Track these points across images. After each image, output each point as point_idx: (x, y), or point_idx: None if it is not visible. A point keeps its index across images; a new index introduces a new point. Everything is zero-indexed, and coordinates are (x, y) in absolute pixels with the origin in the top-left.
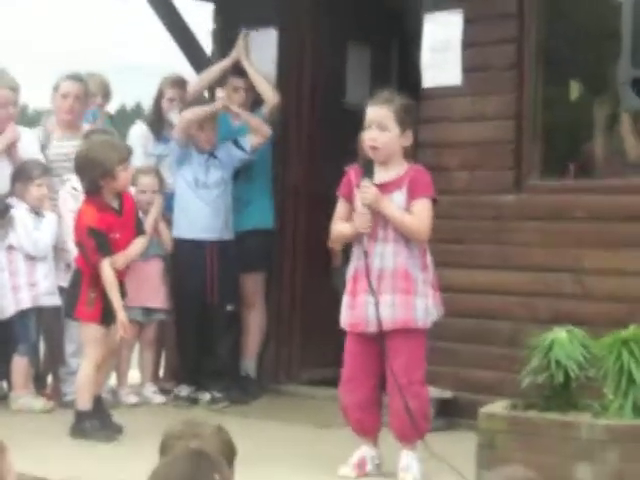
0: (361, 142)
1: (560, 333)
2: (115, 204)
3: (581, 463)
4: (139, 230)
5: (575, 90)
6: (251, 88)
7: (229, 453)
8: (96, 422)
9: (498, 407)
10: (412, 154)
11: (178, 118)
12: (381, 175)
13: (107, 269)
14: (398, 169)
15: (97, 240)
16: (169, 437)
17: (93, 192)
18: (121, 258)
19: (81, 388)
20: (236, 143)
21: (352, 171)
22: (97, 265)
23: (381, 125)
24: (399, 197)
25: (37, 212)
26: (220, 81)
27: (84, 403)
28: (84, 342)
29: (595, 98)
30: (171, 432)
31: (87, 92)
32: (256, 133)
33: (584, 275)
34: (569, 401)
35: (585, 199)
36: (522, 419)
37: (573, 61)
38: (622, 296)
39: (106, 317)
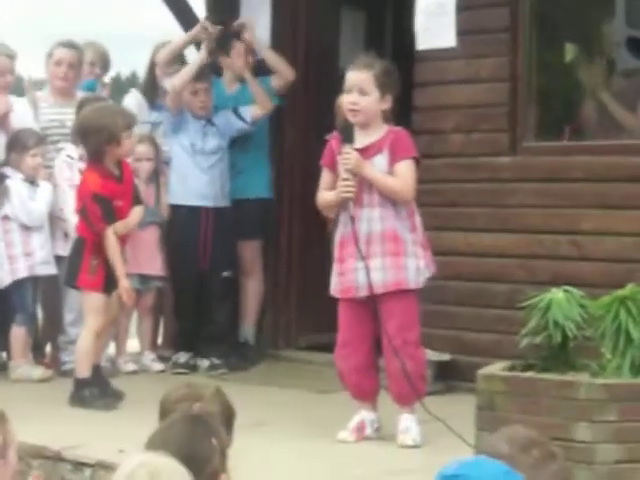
0: (339, 106)
1: (557, 293)
2: (116, 172)
3: (580, 423)
4: (137, 199)
5: (570, 52)
6: (253, 52)
7: (228, 415)
8: (95, 390)
9: (496, 368)
10: (392, 118)
11: (169, 85)
12: (361, 139)
13: (111, 237)
14: (378, 132)
15: (102, 207)
16: (168, 401)
17: (97, 158)
18: (121, 226)
19: (81, 356)
20: (236, 112)
21: (333, 140)
22: (101, 232)
23: (361, 89)
24: (381, 160)
25: (32, 182)
26: (223, 48)
27: (83, 371)
28: (85, 310)
29: (590, 59)
30: (170, 396)
31: (81, 59)
32: (259, 104)
33: (581, 236)
34: (567, 361)
35: (581, 160)
36: (520, 380)
37: (568, 23)
38: (619, 257)
39: (108, 285)
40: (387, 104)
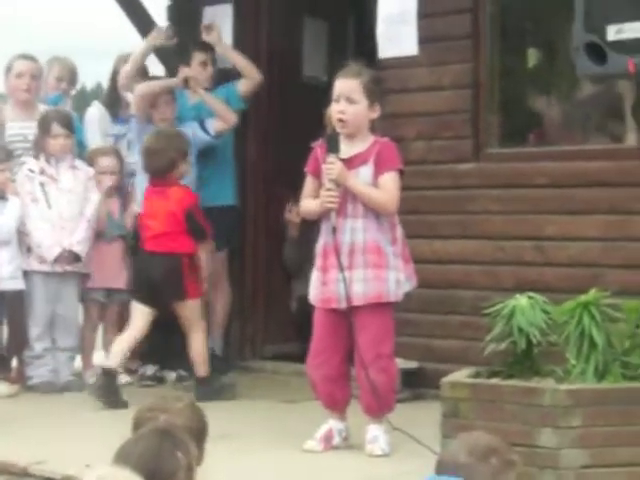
0: (328, 117)
1: (521, 300)
2: None
3: (545, 429)
4: None
5: (532, 58)
6: (213, 62)
7: (201, 429)
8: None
9: (461, 376)
10: (378, 127)
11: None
12: (347, 149)
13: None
14: (364, 143)
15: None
16: (141, 412)
17: (170, 172)
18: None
19: (199, 357)
20: (202, 125)
21: (319, 147)
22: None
23: (350, 98)
24: (366, 171)
25: (0, 196)
26: (184, 58)
27: (202, 371)
28: (194, 317)
29: (551, 66)
30: (143, 407)
31: (41, 71)
32: (221, 119)
33: (545, 242)
34: (532, 367)
35: (544, 166)
36: (485, 387)
37: (529, 29)
38: (584, 262)
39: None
40: (376, 113)
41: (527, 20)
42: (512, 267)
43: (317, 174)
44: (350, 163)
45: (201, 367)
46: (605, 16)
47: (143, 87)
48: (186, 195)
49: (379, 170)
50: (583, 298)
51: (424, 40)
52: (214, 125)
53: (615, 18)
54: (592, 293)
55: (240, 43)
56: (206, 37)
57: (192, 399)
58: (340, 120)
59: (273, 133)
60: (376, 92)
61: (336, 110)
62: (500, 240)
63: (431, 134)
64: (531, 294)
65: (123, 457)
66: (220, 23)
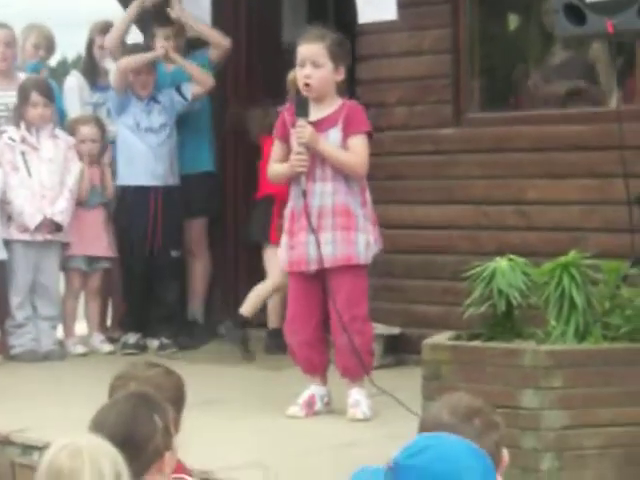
0: (290, 80)
1: (501, 262)
2: None
3: (526, 390)
4: None
5: (512, 22)
6: (180, 34)
7: (178, 396)
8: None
9: (442, 338)
10: (344, 89)
11: (115, 66)
12: (315, 113)
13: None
14: (332, 106)
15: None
16: (116, 379)
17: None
18: None
19: (252, 297)
20: (178, 90)
21: (286, 111)
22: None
23: (315, 62)
24: (335, 134)
25: None
26: (147, 31)
27: (247, 309)
28: (271, 266)
29: (531, 30)
30: (118, 374)
31: (15, 38)
32: (198, 83)
33: (527, 206)
34: (512, 329)
35: (525, 130)
36: (466, 349)
37: None
38: (565, 225)
39: None
40: (341, 75)
41: None
42: (494, 232)
43: (285, 139)
44: (319, 126)
45: (246, 305)
46: None
47: (125, 62)
48: None
49: (348, 133)
50: (563, 259)
51: (403, 5)
52: (191, 89)
53: None
54: (572, 254)
55: (219, 9)
56: (170, 13)
57: (166, 367)
58: (306, 85)
59: (253, 99)
60: (340, 55)
61: (302, 75)
62: (481, 204)
63: (412, 99)
64: (511, 256)
65: (98, 424)
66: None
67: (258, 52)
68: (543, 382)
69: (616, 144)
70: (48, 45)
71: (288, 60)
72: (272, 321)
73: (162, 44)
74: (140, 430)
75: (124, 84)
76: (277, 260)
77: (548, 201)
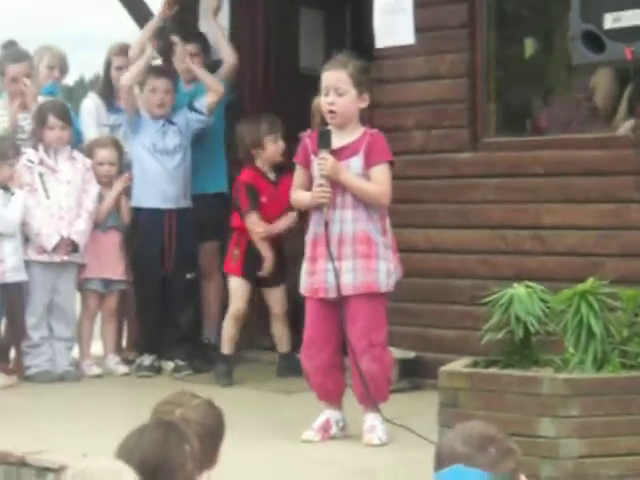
0: (315, 107)
1: (519, 288)
2: (270, 175)
3: (543, 418)
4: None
5: (529, 48)
6: (204, 52)
7: (217, 427)
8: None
9: (459, 365)
10: (365, 116)
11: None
12: (337, 140)
13: (253, 221)
14: (354, 134)
15: (250, 194)
16: (163, 404)
17: (248, 160)
18: (266, 228)
19: (223, 336)
20: (191, 107)
21: (307, 137)
22: (246, 215)
23: (338, 89)
24: (356, 162)
25: (6, 189)
26: (169, 49)
27: (224, 348)
28: (231, 293)
29: (548, 55)
30: (165, 400)
31: (34, 66)
32: (210, 90)
33: (543, 231)
34: (530, 357)
35: (542, 155)
36: (483, 376)
37: (526, 18)
38: (582, 251)
39: (246, 273)
40: (365, 102)
41: (523, 9)
42: (511, 256)
43: (306, 164)
44: (340, 154)
45: (222, 345)
46: (601, 4)
47: (125, 77)
48: None
49: (370, 162)
50: (581, 287)
51: (421, 29)
52: (205, 101)
53: (612, 6)
54: (590, 282)
55: (237, 33)
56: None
57: (209, 398)
58: (330, 112)
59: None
60: (364, 82)
61: (326, 102)
62: (498, 229)
63: (429, 123)
64: (529, 283)
65: (128, 450)
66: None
67: (275, 77)
68: (561, 411)
69: (632, 169)
70: (62, 66)
71: (306, 85)
72: (282, 347)
73: (178, 53)
74: (172, 457)
75: (131, 103)
76: (233, 288)
77: (565, 226)
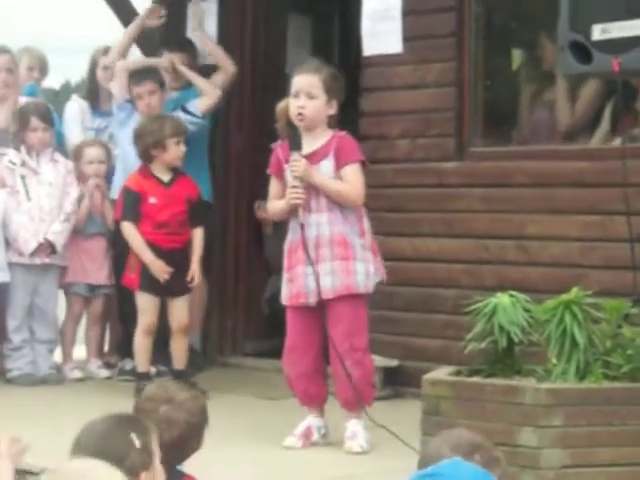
0: (281, 109)
1: (503, 298)
2: (165, 177)
3: (526, 428)
4: (195, 218)
5: (517, 58)
6: (192, 61)
7: (203, 421)
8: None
9: (442, 373)
10: (335, 125)
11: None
12: (307, 146)
13: (127, 229)
14: (323, 137)
15: (126, 200)
16: (146, 401)
17: (145, 161)
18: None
19: (135, 353)
20: (184, 109)
21: (280, 147)
22: (120, 222)
23: (310, 93)
24: (327, 165)
25: None
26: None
27: (139, 366)
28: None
29: (535, 65)
30: (147, 396)
31: (16, 63)
32: (206, 94)
33: (527, 241)
34: (513, 366)
35: (527, 165)
36: (466, 385)
37: (513, 28)
38: (566, 262)
39: (145, 284)
40: (332, 109)
41: (512, 19)
42: (495, 266)
43: (280, 175)
44: (311, 158)
45: (136, 363)
46: (590, 15)
47: (124, 63)
48: None
49: (340, 163)
50: (565, 297)
51: (408, 38)
52: (199, 105)
53: (600, 17)
54: (574, 292)
55: (224, 39)
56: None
57: (194, 391)
58: (299, 114)
59: (256, 130)
60: (334, 89)
61: (296, 105)
62: (483, 239)
63: (415, 132)
64: (513, 292)
65: (76, 444)
66: (204, 16)
67: (263, 83)
68: (543, 420)
69: (618, 181)
70: (41, 67)
71: None
72: (178, 363)
73: (168, 57)
74: (112, 447)
75: (124, 86)
76: (137, 302)
77: (549, 237)
